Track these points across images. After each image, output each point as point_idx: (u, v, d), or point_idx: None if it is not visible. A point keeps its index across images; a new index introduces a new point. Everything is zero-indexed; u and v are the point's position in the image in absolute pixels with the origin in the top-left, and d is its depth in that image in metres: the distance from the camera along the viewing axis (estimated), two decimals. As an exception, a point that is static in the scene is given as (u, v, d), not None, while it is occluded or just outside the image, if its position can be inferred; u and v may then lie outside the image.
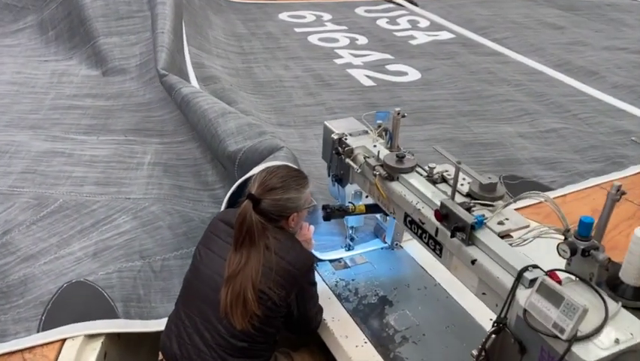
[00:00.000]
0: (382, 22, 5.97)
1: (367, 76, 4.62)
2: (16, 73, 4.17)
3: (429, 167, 1.95)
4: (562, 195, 3.04)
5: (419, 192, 1.90)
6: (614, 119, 4.07)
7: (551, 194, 3.00)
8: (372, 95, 4.28)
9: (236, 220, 1.83)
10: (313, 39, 5.42)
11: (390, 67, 4.85)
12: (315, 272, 2.30)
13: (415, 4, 6.55)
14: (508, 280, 1.56)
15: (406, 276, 2.35)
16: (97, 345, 1.99)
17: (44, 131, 3.36)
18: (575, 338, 1.35)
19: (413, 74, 4.71)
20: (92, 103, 3.83)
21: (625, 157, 3.48)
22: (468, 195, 1.84)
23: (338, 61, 4.93)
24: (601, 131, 3.86)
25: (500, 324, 1.54)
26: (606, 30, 6.05)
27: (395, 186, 1.98)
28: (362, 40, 5.48)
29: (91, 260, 2.28)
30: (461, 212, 1.70)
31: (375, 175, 2.02)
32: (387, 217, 2.36)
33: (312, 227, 2.19)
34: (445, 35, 5.68)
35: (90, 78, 4.22)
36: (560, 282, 1.48)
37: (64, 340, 1.98)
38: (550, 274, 1.51)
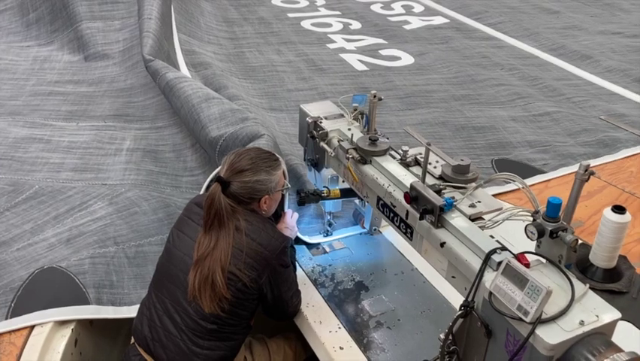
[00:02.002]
0: (376, 7, 5.89)
1: (360, 61, 4.56)
2: None
3: (402, 150, 1.91)
4: (546, 180, 3.00)
5: (391, 175, 1.86)
6: (608, 103, 4.01)
7: (543, 177, 3.02)
8: (365, 79, 4.23)
9: (205, 203, 1.81)
10: (306, 24, 5.36)
11: (384, 52, 4.78)
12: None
13: (410, -11, 6.48)
14: (476, 263, 1.52)
15: (383, 261, 2.31)
16: (66, 332, 1.96)
17: (23, 118, 3.33)
18: (540, 321, 1.31)
19: (406, 59, 4.65)
20: (73, 89, 3.79)
21: (618, 140, 3.42)
22: (440, 177, 1.80)
23: (331, 46, 4.86)
24: (594, 114, 3.81)
25: (467, 307, 1.51)
26: (601, 15, 5.98)
27: (368, 169, 1.94)
28: (355, 25, 5.41)
29: (64, 246, 2.25)
30: (430, 194, 1.66)
31: (348, 158, 1.98)
32: (366, 203, 2.33)
33: (296, 214, 2.16)
34: (439, 20, 5.60)
35: (72, 64, 4.17)
36: (528, 264, 1.45)
37: (32, 327, 1.94)
38: (519, 256, 1.47)
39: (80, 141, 3.09)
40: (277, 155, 1.98)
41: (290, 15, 5.55)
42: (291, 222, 2.11)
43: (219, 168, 1.92)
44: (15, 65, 4.09)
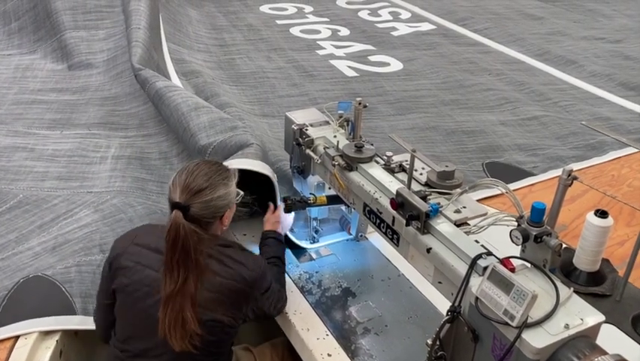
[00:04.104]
0: (364, 14, 5.92)
1: (350, 67, 4.59)
2: None
3: (386, 155, 1.91)
4: (530, 185, 3.04)
5: (377, 182, 1.86)
6: (593, 107, 4.07)
7: (531, 179, 3.06)
8: (355, 85, 4.25)
9: (168, 235, 1.61)
10: (295, 31, 5.37)
11: (373, 58, 4.81)
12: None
13: (397, -4, 6.53)
14: (462, 268, 1.52)
15: (370, 267, 2.30)
16: (51, 343, 1.93)
17: (6, 127, 3.29)
18: (525, 325, 1.32)
19: (395, 65, 4.68)
20: (57, 97, 3.75)
21: (605, 143, 3.48)
22: (426, 184, 1.80)
23: (320, 52, 4.88)
24: (581, 118, 3.85)
25: (454, 313, 1.51)
26: (584, 21, 6.08)
27: (354, 176, 1.94)
28: (344, 31, 5.44)
29: (49, 254, 2.22)
30: (416, 200, 1.67)
31: (334, 165, 1.98)
32: (352, 209, 2.33)
33: (280, 204, 2.14)
34: (426, 27, 5.64)
35: (55, 72, 4.13)
36: (513, 269, 1.45)
37: (17, 338, 1.92)
38: (505, 261, 1.48)
39: (65, 149, 3.06)
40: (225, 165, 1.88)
41: (279, 22, 5.57)
42: (277, 215, 2.07)
43: (169, 193, 1.72)
44: None
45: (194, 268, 1.63)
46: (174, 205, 1.66)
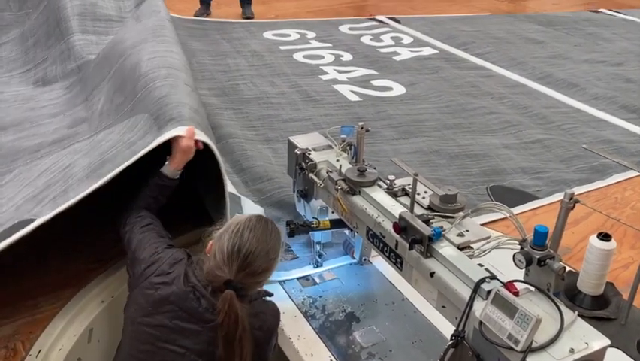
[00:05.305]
0: (366, 39, 5.99)
1: (353, 91, 4.63)
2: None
3: (388, 179, 1.92)
4: (534, 208, 3.05)
5: (380, 206, 1.87)
6: (596, 130, 4.09)
7: (537, 202, 3.07)
8: (358, 109, 4.28)
9: (223, 320, 1.57)
10: (298, 56, 5.43)
11: (376, 82, 4.85)
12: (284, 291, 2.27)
13: (398, 22, 6.60)
14: (465, 292, 1.53)
15: (374, 291, 2.30)
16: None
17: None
18: (530, 349, 1.32)
19: (398, 89, 4.72)
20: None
21: (609, 167, 3.48)
22: (429, 207, 1.81)
23: (324, 77, 4.93)
24: (584, 141, 3.87)
25: (458, 337, 1.51)
26: (585, 44, 6.13)
27: (357, 200, 1.95)
28: (347, 56, 5.49)
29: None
30: (419, 224, 1.68)
31: (337, 189, 1.99)
32: (356, 233, 2.33)
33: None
34: (428, 51, 5.70)
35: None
36: (517, 293, 1.45)
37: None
38: (508, 285, 1.48)
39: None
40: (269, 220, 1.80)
41: (282, 48, 5.64)
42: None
43: (215, 255, 1.65)
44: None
45: (248, 341, 1.61)
46: (227, 282, 1.61)
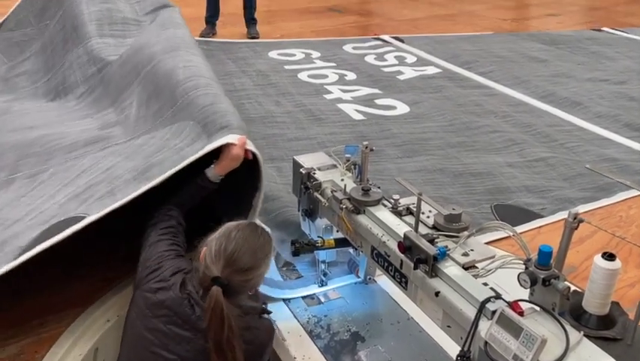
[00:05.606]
0: (370, 59, 6.05)
1: (357, 110, 4.67)
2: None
3: (393, 198, 1.93)
4: (538, 227, 3.05)
5: (384, 225, 1.88)
6: (600, 148, 4.10)
7: (540, 221, 3.07)
8: (362, 128, 4.32)
9: (211, 319, 1.58)
10: (303, 76, 5.49)
11: (380, 101, 4.89)
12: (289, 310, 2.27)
13: (402, 41, 6.66)
14: (471, 312, 1.52)
15: (379, 310, 2.30)
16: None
17: None
18: (535, 370, 1.31)
19: (402, 108, 4.76)
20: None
21: (614, 185, 3.48)
22: (433, 227, 1.82)
23: (328, 96, 4.98)
24: (588, 159, 3.89)
25: (464, 358, 1.50)
26: (588, 63, 6.17)
27: (361, 219, 1.96)
28: (351, 75, 5.55)
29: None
30: (424, 243, 1.68)
31: (341, 209, 2.00)
32: (360, 252, 2.33)
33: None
34: (431, 70, 5.75)
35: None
36: (522, 313, 1.45)
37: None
38: (513, 304, 1.48)
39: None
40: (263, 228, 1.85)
41: (287, 67, 5.69)
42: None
43: (206, 257, 1.68)
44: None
45: (238, 345, 1.60)
46: (214, 279, 1.63)
